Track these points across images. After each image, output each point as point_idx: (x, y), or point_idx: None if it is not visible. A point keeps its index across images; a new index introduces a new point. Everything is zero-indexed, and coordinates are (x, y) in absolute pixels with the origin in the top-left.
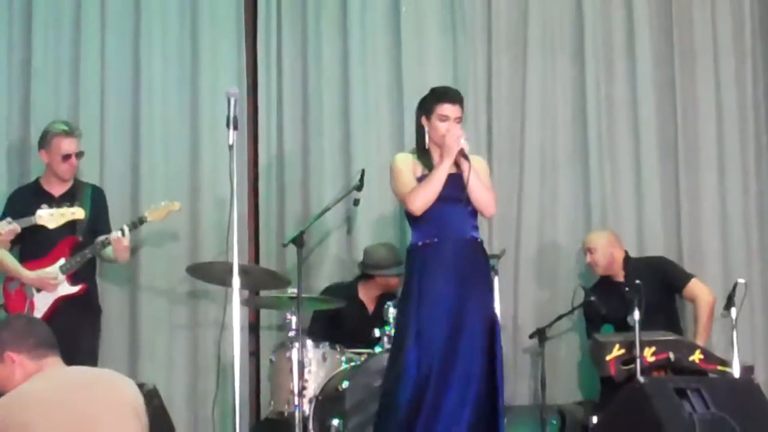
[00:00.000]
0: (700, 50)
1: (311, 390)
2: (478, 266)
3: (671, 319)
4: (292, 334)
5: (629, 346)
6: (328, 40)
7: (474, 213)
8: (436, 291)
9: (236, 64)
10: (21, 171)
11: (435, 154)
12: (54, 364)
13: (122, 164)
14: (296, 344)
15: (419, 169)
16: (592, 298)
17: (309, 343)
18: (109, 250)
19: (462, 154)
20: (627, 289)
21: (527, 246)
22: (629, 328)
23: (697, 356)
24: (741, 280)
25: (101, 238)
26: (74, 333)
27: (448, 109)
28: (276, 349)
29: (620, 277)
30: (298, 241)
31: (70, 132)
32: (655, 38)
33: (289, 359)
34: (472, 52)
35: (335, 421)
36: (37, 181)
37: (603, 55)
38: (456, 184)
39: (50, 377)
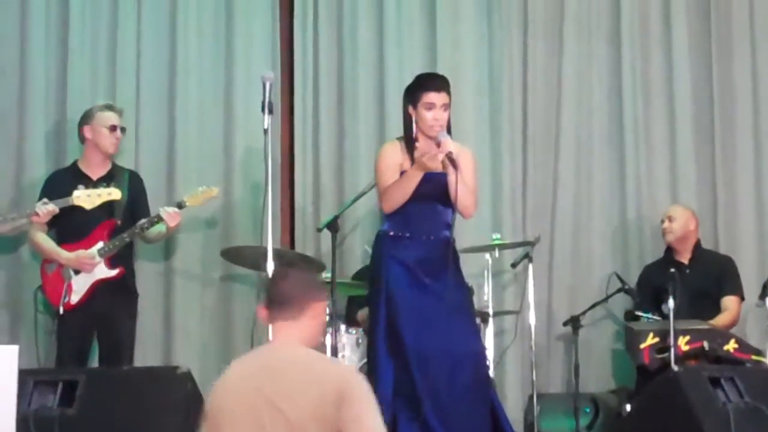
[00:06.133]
0: (737, 34)
1: None
2: (447, 264)
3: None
4: (326, 318)
5: (664, 334)
6: (364, 23)
7: (452, 212)
8: (403, 292)
9: (271, 47)
10: (57, 151)
11: (422, 144)
12: (278, 333)
13: (157, 147)
14: (330, 329)
15: (407, 163)
16: (627, 286)
17: (342, 327)
18: (155, 230)
19: (449, 159)
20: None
21: (562, 232)
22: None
23: (731, 345)
24: None
25: (141, 221)
26: (112, 317)
27: (433, 97)
28: None
29: (684, 259)
30: (333, 225)
31: (114, 107)
32: (691, 22)
33: (323, 344)
34: (507, 36)
35: None
36: (75, 164)
37: (639, 39)
38: (437, 182)
39: (248, 360)
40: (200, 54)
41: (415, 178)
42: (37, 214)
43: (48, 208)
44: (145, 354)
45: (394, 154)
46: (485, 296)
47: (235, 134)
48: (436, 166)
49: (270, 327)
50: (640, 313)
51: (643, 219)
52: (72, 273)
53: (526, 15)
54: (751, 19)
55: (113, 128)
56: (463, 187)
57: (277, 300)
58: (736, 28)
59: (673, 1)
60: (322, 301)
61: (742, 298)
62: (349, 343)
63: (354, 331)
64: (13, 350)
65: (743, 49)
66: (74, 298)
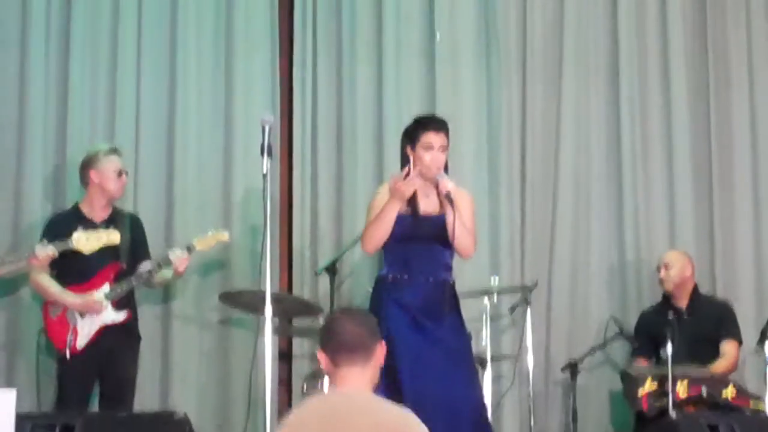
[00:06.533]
0: (735, 78)
1: None
2: (446, 308)
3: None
4: None
5: (662, 380)
6: (363, 67)
7: (451, 254)
8: (403, 335)
9: (270, 90)
10: (56, 194)
11: (420, 186)
12: (344, 379)
13: (156, 189)
14: None
15: (403, 204)
16: (625, 331)
17: None
18: (160, 274)
19: (448, 198)
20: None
21: (560, 275)
22: (682, 349)
23: (730, 392)
24: None
25: (147, 266)
26: (116, 360)
27: (432, 138)
28: (308, 378)
29: (682, 304)
30: (331, 269)
31: (118, 151)
32: (689, 66)
33: (321, 388)
34: (506, 79)
35: None
36: (76, 207)
37: (637, 82)
38: (435, 224)
39: (314, 405)
40: (199, 97)
41: (392, 208)
42: (36, 257)
43: (47, 251)
44: (143, 397)
45: (387, 195)
46: (483, 341)
47: (234, 177)
48: (409, 191)
49: (331, 372)
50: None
51: (641, 262)
52: (78, 316)
53: (524, 57)
54: (749, 60)
55: (120, 173)
56: (461, 226)
57: (346, 346)
58: (734, 69)
59: (671, 43)
60: (382, 342)
61: (741, 343)
62: None
63: None
64: (10, 394)
65: (741, 90)
66: (80, 342)
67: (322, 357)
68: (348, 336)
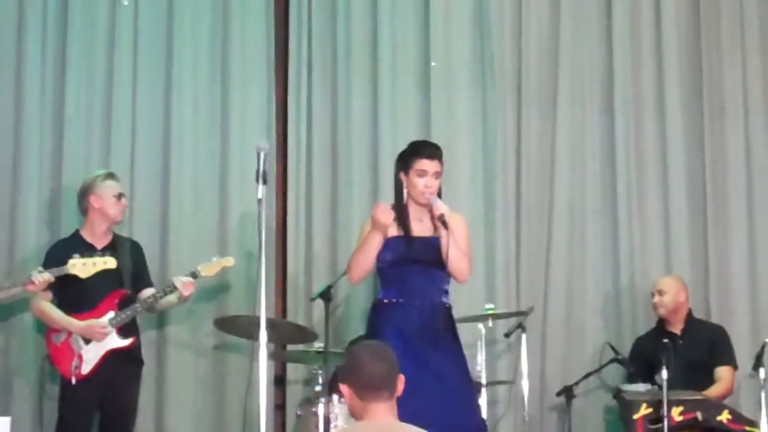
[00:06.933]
0: (729, 108)
1: None
2: (442, 332)
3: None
4: (318, 388)
5: (657, 405)
6: (358, 93)
7: (447, 277)
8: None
9: (266, 117)
10: (52, 221)
11: (413, 210)
12: (374, 413)
13: (151, 216)
14: (323, 399)
15: (394, 229)
16: (620, 357)
17: (335, 397)
18: (164, 300)
19: (441, 221)
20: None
21: (555, 301)
22: (677, 374)
23: (725, 416)
24: None
25: (149, 293)
26: (120, 386)
27: (426, 164)
28: (302, 403)
29: (677, 329)
30: (326, 295)
31: (115, 176)
32: (684, 95)
33: (316, 414)
34: (501, 106)
35: None
36: (77, 234)
37: (633, 110)
38: (429, 246)
39: None
40: (195, 123)
41: (373, 237)
42: (33, 283)
43: (44, 277)
44: (138, 423)
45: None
46: (478, 366)
47: (229, 202)
48: (386, 219)
49: (355, 406)
50: (628, 387)
51: (636, 289)
52: (82, 343)
53: (519, 85)
54: (744, 92)
55: (119, 196)
56: (455, 250)
57: (374, 384)
58: (728, 100)
59: (667, 73)
60: (401, 375)
61: (735, 368)
62: (342, 413)
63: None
64: (4, 422)
65: (736, 122)
66: (85, 368)
67: (346, 391)
68: (375, 375)
